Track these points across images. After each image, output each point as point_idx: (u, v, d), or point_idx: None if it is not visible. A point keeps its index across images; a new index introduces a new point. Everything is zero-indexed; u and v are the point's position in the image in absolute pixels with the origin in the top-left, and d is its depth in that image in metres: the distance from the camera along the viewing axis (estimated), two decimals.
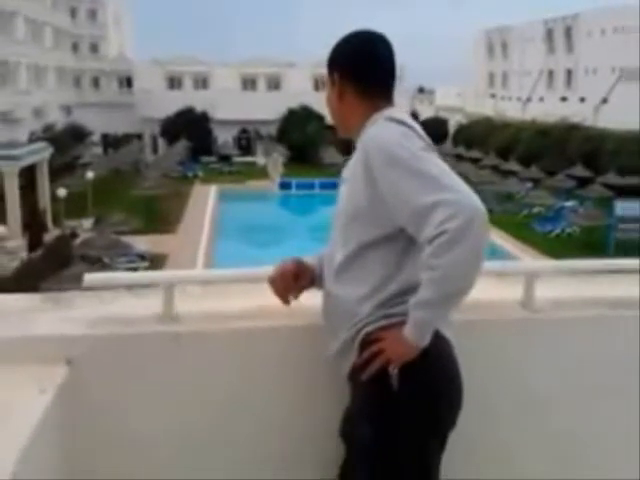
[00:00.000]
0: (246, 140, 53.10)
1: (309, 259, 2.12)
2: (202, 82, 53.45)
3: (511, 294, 2.43)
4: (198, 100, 49.22)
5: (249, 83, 52.90)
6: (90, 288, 2.28)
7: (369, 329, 1.84)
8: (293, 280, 2.06)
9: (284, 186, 38.46)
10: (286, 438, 2.26)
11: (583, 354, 2.37)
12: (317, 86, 53.96)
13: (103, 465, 2.18)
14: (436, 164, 1.76)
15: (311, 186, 37.40)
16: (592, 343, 2.37)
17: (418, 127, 1.89)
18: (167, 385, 2.19)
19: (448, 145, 50.62)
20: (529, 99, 53.76)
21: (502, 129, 43.96)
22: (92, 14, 57.81)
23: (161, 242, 24.71)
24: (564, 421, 2.39)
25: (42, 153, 28.40)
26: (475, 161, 42.73)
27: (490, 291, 2.42)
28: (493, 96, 59.25)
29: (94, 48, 57.92)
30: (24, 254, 23.27)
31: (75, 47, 55.08)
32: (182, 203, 32.32)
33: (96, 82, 55.39)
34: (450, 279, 1.70)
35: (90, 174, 31.13)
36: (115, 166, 40.25)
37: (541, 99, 52.63)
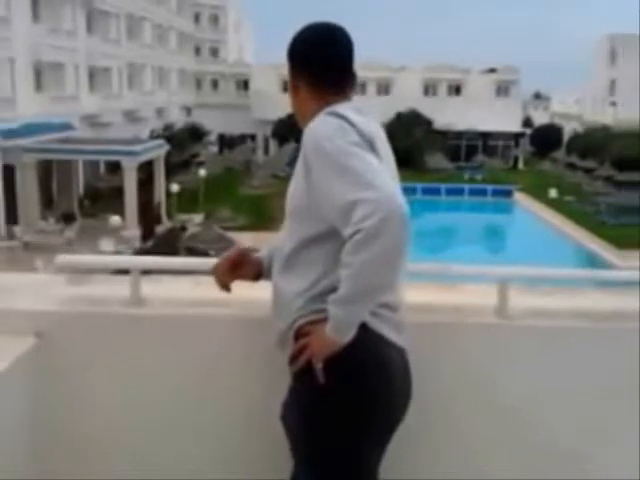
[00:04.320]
0: None
1: (262, 251, 2.15)
2: None
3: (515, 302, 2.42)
4: None
5: (358, 87, 53.42)
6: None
7: (301, 322, 1.85)
8: (231, 269, 2.09)
9: None
10: (239, 422, 2.36)
11: (551, 363, 2.34)
12: (427, 91, 53.87)
13: (61, 427, 2.36)
14: (364, 160, 1.72)
15: (413, 191, 37.36)
16: (562, 353, 2.35)
17: (363, 122, 1.83)
18: (126, 361, 2.33)
19: (561, 153, 48.97)
20: None
21: (618, 138, 41.95)
22: (214, 19, 60.41)
23: (264, 239, 25.62)
24: (531, 428, 2.38)
25: (159, 150, 29.94)
26: (589, 171, 41.20)
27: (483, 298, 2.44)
28: (614, 104, 56.63)
29: (214, 52, 60.51)
30: (137, 243, 24.93)
31: (197, 51, 57.64)
32: None
33: (215, 84, 57.76)
34: (363, 276, 1.70)
35: (202, 172, 32.74)
36: (228, 165, 42.09)
37: None
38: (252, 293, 2.19)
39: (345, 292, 1.73)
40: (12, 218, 25.28)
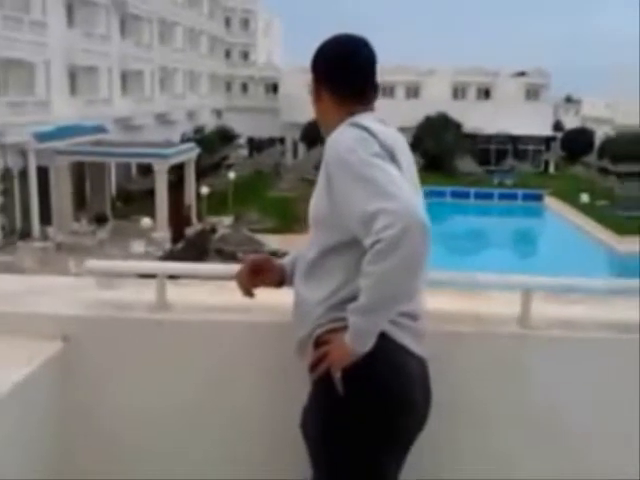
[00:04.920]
0: None
1: (286, 258, 2.18)
2: None
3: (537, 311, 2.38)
4: None
5: (388, 91, 53.51)
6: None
7: (319, 331, 1.87)
8: (253, 275, 2.12)
9: None
10: (260, 427, 2.38)
11: (574, 374, 2.31)
12: (456, 94, 53.70)
13: (87, 429, 2.40)
14: (385, 171, 1.74)
15: (442, 194, 37.24)
16: (585, 364, 2.31)
17: (385, 133, 1.86)
18: (150, 367, 2.35)
19: (592, 157, 48.44)
20: None
21: None
22: (244, 23, 60.99)
23: (293, 241, 25.76)
24: (553, 439, 2.35)
25: (190, 153, 30.30)
26: (621, 175, 40.69)
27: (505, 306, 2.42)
28: None
29: (244, 55, 61.09)
30: (167, 245, 25.23)
31: (227, 54, 58.25)
32: None
33: (245, 88, 58.23)
34: (383, 286, 1.72)
35: (231, 174, 33.05)
36: (257, 168, 42.42)
37: None
38: (276, 298, 2.20)
39: (365, 301, 1.74)
40: (46, 219, 25.78)
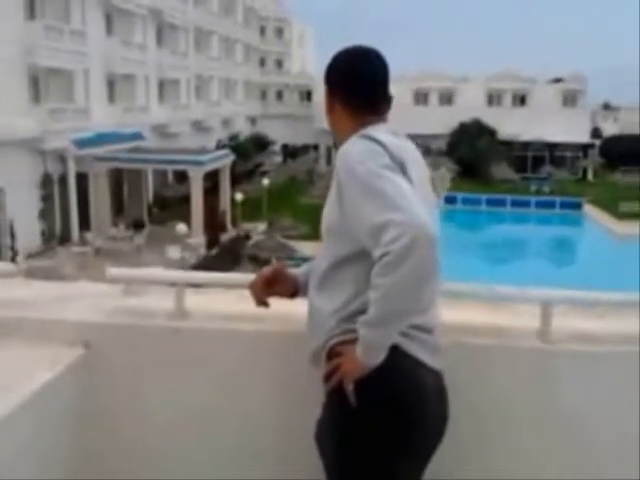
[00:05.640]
0: None
1: (301, 268, 2.19)
2: None
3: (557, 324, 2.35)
4: None
5: (422, 98, 53.29)
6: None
7: (332, 342, 1.88)
8: (266, 286, 2.12)
9: (449, 200, 36.87)
10: (272, 436, 2.39)
11: (593, 389, 2.28)
12: (491, 101, 53.25)
13: (104, 434, 2.44)
14: (394, 183, 1.74)
15: (477, 202, 36.87)
16: (605, 379, 2.28)
17: (395, 145, 1.86)
18: (168, 374, 2.39)
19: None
20: None
21: None
22: (279, 32, 61.51)
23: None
24: (571, 456, 2.32)
25: (224, 160, 30.58)
26: None
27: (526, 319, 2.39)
28: None
29: (279, 64, 61.58)
30: (202, 251, 25.43)
31: (262, 62, 58.85)
32: None
33: (279, 95, 58.65)
34: (391, 299, 1.71)
35: (265, 181, 33.23)
36: (291, 174, 42.57)
37: None
38: (290, 308, 2.22)
39: (374, 314, 1.74)
40: (84, 224, 26.19)
